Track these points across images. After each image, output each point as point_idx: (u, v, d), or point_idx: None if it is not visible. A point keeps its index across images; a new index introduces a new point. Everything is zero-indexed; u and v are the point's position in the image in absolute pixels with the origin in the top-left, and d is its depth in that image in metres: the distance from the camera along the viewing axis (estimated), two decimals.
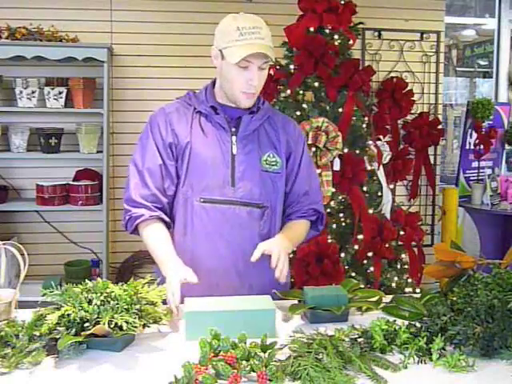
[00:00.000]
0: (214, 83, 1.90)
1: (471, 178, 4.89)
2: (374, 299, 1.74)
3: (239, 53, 1.72)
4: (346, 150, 3.39)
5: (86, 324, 1.40)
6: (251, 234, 1.84)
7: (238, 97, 1.81)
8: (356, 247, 3.37)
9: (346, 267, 3.36)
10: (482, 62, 6.61)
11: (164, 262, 1.75)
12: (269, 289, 1.77)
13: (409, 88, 4.30)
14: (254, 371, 1.28)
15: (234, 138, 1.84)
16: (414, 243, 3.76)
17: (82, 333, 1.39)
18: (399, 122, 4.38)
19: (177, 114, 1.86)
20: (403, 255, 3.62)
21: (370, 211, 3.46)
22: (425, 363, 1.38)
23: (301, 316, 1.68)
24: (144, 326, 1.48)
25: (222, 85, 1.84)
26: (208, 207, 1.82)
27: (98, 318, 1.41)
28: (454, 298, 1.57)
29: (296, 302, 1.73)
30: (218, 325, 1.41)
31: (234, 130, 1.85)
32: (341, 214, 3.42)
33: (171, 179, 1.85)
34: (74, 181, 3.85)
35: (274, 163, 1.87)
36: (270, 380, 1.26)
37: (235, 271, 1.84)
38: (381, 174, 3.64)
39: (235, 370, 1.27)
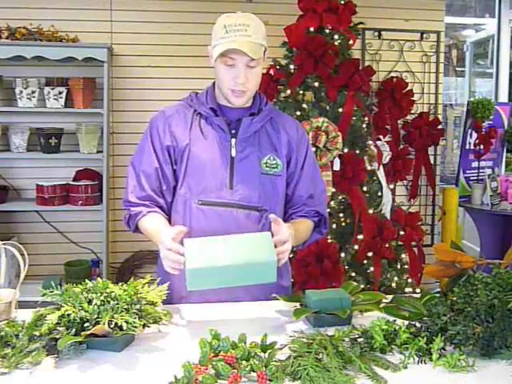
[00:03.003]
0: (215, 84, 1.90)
1: (471, 178, 4.89)
2: (375, 301, 1.72)
3: (220, 50, 1.72)
4: (346, 150, 3.39)
5: (86, 324, 1.40)
6: None
7: (227, 94, 1.80)
8: (356, 247, 3.37)
9: (346, 267, 3.36)
10: (482, 62, 6.61)
11: (157, 234, 1.73)
12: (266, 290, 1.76)
13: (409, 88, 4.30)
14: (254, 371, 1.27)
15: (233, 140, 1.82)
16: (413, 243, 3.76)
17: (82, 333, 1.39)
18: (399, 122, 4.38)
19: (177, 116, 1.86)
20: (403, 255, 3.62)
21: (370, 211, 3.46)
22: (425, 363, 1.38)
23: (303, 320, 1.65)
24: (144, 325, 1.48)
25: (217, 83, 1.84)
26: (206, 209, 1.81)
27: (97, 318, 1.41)
28: (454, 298, 1.57)
29: (296, 305, 1.70)
30: (219, 278, 1.57)
31: (233, 132, 1.83)
32: (341, 214, 3.42)
33: (168, 183, 1.85)
34: (74, 181, 3.85)
35: (274, 166, 1.85)
36: (270, 380, 1.26)
37: None
38: (381, 174, 3.64)
39: (235, 370, 1.27)
